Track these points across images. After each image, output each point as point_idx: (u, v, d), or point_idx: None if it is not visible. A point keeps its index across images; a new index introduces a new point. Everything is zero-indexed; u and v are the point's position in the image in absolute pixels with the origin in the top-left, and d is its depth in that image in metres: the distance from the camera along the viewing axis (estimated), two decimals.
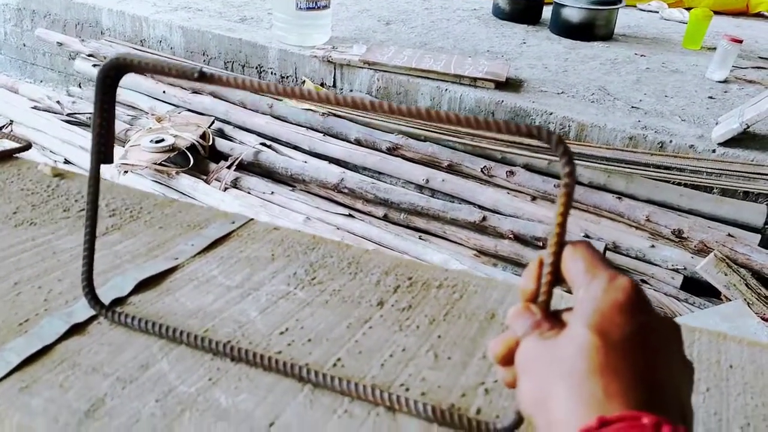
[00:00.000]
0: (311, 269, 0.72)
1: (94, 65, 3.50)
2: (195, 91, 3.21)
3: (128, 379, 0.54)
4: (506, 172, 2.62)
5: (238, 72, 3.42)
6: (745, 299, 2.20)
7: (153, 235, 0.76)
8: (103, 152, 0.55)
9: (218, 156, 2.98)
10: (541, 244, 2.39)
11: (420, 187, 2.74)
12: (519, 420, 0.48)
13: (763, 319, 2.14)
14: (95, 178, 0.55)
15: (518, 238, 2.44)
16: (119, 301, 0.63)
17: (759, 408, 0.54)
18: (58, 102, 3.27)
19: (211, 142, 2.99)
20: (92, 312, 0.61)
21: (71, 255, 0.71)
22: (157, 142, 2.81)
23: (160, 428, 0.49)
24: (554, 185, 2.54)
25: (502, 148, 2.67)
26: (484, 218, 2.48)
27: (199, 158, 2.90)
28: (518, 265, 2.47)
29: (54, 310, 0.61)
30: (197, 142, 2.91)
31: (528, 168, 2.64)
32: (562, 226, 0.43)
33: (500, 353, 0.42)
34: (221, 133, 3.08)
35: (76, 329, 0.59)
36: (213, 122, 3.10)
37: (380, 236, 2.49)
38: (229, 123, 3.13)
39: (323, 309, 0.65)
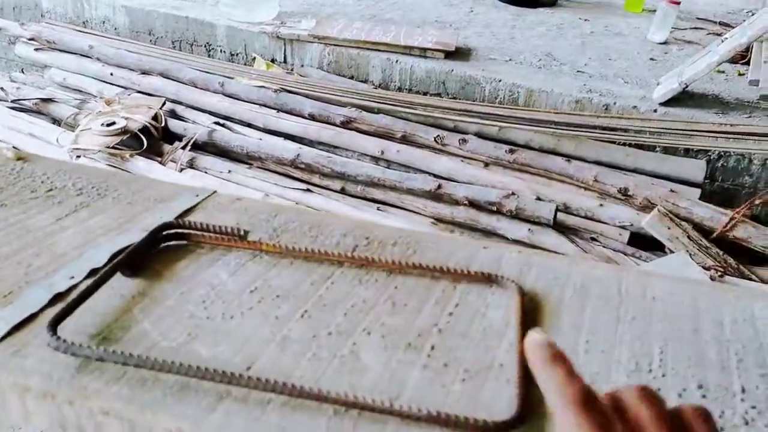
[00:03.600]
0: (275, 234, 0.77)
1: (36, 49, 3.43)
2: (144, 72, 3.18)
3: (113, 339, 0.59)
4: (459, 140, 2.69)
5: (186, 51, 3.40)
6: (687, 251, 2.32)
7: (122, 210, 0.80)
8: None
9: (172, 137, 2.97)
10: (495, 208, 2.47)
11: (375, 159, 2.79)
12: (521, 413, 0.51)
13: (704, 268, 2.27)
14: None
15: (473, 204, 2.52)
16: (96, 271, 0.67)
17: (676, 332, 0.62)
18: (1, 88, 3.20)
19: (163, 123, 2.97)
20: (73, 282, 0.65)
21: (45, 232, 0.74)
22: (108, 125, 2.79)
23: (148, 377, 0.54)
24: (505, 151, 2.62)
25: (453, 117, 2.74)
26: (440, 186, 2.55)
27: (152, 140, 2.89)
28: (474, 230, 2.55)
29: (35, 282, 0.65)
30: (149, 123, 2.89)
31: (480, 135, 2.71)
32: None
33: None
34: (173, 114, 3.07)
35: (59, 298, 0.63)
36: (164, 103, 3.08)
37: (338, 209, 2.54)
38: (180, 103, 3.12)
39: (288, 269, 0.70)
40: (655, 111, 2.61)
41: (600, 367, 0.57)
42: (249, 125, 2.98)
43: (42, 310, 0.61)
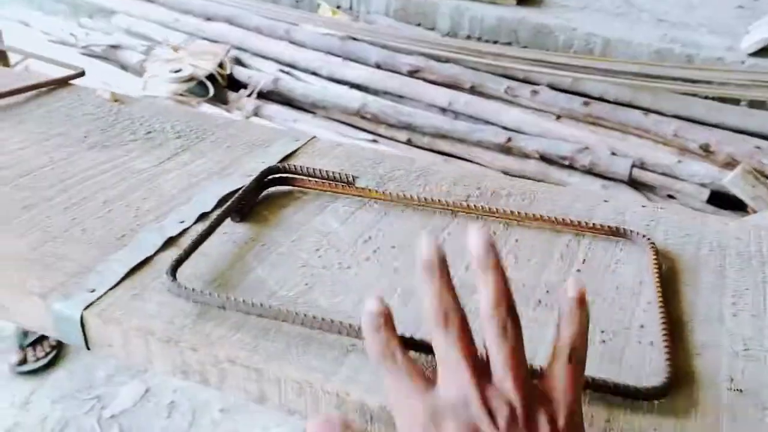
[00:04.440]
0: (381, 181, 0.73)
1: None
2: (209, 18, 3.16)
3: (230, 286, 0.57)
4: (530, 91, 2.60)
5: None
6: None
7: (222, 154, 0.78)
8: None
9: (237, 84, 2.96)
10: (567, 163, 2.39)
11: (443, 110, 2.72)
12: (665, 385, 0.47)
13: None
14: None
15: (544, 158, 2.45)
16: (205, 215, 0.65)
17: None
18: (72, 34, 3.23)
19: (229, 71, 2.96)
20: (184, 226, 0.63)
21: (149, 174, 0.72)
22: (175, 72, 2.79)
23: (271, 327, 0.52)
24: (579, 103, 2.52)
25: (524, 67, 2.64)
26: (509, 139, 2.48)
27: (218, 87, 2.89)
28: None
29: (146, 225, 0.63)
30: (215, 71, 2.89)
31: (552, 87, 2.62)
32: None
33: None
34: (238, 61, 3.05)
35: (171, 242, 0.61)
36: (229, 50, 3.06)
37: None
38: (245, 50, 3.09)
39: (401, 218, 0.67)
40: (743, 62, 2.46)
41: (753, 332, 0.52)
42: (314, 74, 2.95)
43: (156, 253, 0.60)
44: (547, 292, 0.57)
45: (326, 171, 0.70)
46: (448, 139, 2.60)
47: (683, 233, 0.65)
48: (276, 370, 0.49)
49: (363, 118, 2.70)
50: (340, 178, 0.70)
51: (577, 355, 0.40)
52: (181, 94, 2.72)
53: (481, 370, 0.38)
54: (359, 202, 0.69)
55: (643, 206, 0.70)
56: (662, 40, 2.56)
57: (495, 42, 2.84)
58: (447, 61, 2.76)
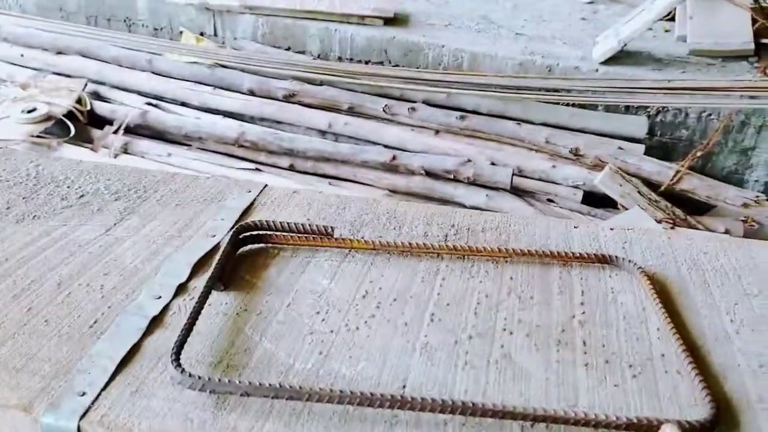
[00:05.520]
0: (353, 228, 0.70)
1: None
2: (59, 52, 2.93)
3: (239, 366, 0.51)
4: (408, 109, 2.64)
5: (103, 26, 3.15)
6: (639, 205, 2.40)
7: (174, 214, 0.71)
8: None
9: (99, 121, 2.76)
10: (451, 176, 2.46)
11: (323, 133, 2.70)
12: (716, 415, 0.47)
13: (656, 221, 2.36)
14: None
15: (429, 173, 2.50)
16: (182, 287, 0.59)
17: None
18: None
19: (88, 107, 2.76)
20: (164, 302, 0.57)
21: (100, 246, 0.65)
22: (28, 112, 2.56)
23: (300, 408, 0.48)
24: (455, 117, 2.60)
25: (400, 85, 2.68)
26: (394, 157, 2.50)
27: (78, 125, 2.68)
28: (430, 199, 2.53)
29: (117, 306, 0.56)
30: (73, 107, 2.68)
31: (427, 103, 2.68)
32: None
33: None
34: (98, 96, 2.85)
35: (154, 323, 0.55)
36: (86, 84, 2.85)
37: (290, 187, 2.45)
38: (104, 84, 2.89)
39: (389, 267, 0.64)
40: (597, 71, 2.66)
41: (761, 348, 0.55)
42: (183, 104, 2.81)
43: (142, 338, 0.53)
44: (563, 331, 0.57)
45: (302, 224, 0.66)
46: (332, 162, 2.58)
47: (659, 252, 0.68)
48: None
49: (242, 146, 2.62)
50: (318, 230, 0.66)
51: None
52: (38, 136, 2.49)
53: None
54: (340, 254, 0.66)
55: (611, 229, 0.72)
56: (524, 53, 2.71)
57: (367, 62, 2.87)
58: (321, 83, 2.74)
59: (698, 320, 0.58)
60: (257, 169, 2.57)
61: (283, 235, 0.66)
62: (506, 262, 0.66)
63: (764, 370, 0.53)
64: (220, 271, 0.59)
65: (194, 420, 0.46)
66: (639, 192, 2.46)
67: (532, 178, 2.52)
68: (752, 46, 2.73)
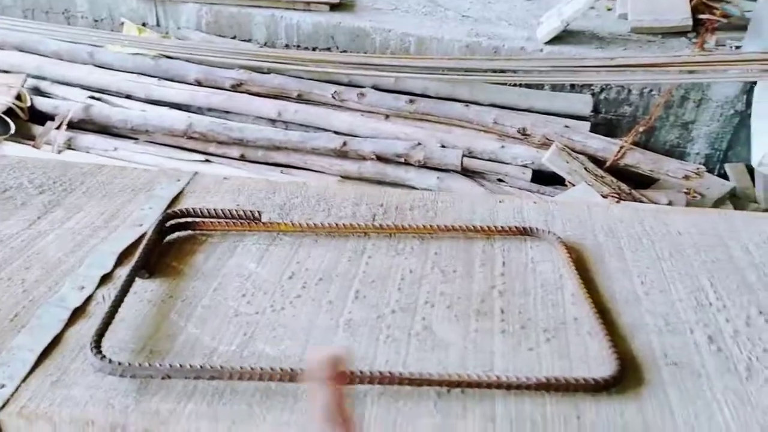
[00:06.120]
0: (283, 212, 0.71)
1: None
2: None
3: (163, 351, 0.52)
4: (357, 94, 2.64)
5: (41, 20, 3.07)
6: (586, 181, 2.45)
7: (101, 205, 0.71)
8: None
9: (41, 117, 2.70)
10: (402, 160, 2.47)
11: (272, 121, 2.69)
12: (620, 371, 0.50)
13: (602, 196, 2.41)
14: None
15: (380, 158, 2.51)
16: (107, 277, 0.59)
17: (714, 262, 0.64)
18: None
19: (29, 103, 2.69)
20: (87, 293, 0.57)
21: (22, 240, 0.64)
22: None
23: (222, 388, 0.49)
24: (404, 101, 2.61)
25: (347, 71, 2.68)
26: (345, 143, 2.51)
27: (18, 122, 2.62)
28: (382, 183, 2.54)
29: (39, 299, 0.56)
30: (13, 104, 2.61)
31: (377, 88, 2.68)
32: None
33: None
34: (38, 91, 2.78)
35: (77, 313, 0.55)
36: (26, 79, 2.78)
37: (241, 176, 2.44)
38: (44, 78, 2.82)
39: (316, 248, 0.65)
40: (541, 50, 2.69)
41: (667, 308, 0.58)
42: (128, 97, 2.77)
43: (64, 329, 0.53)
44: (482, 301, 0.59)
45: (229, 210, 0.66)
46: (282, 150, 2.57)
47: (578, 222, 0.70)
48: None
49: (191, 138, 2.59)
50: (245, 215, 0.66)
51: None
52: None
53: None
54: (268, 237, 0.67)
55: (535, 202, 0.74)
56: (470, 35, 2.73)
57: (314, 48, 2.86)
58: (269, 72, 2.72)
59: (610, 284, 0.60)
60: (207, 161, 2.55)
61: (211, 222, 0.67)
62: (432, 238, 0.67)
63: (670, 328, 0.55)
64: (144, 259, 0.59)
65: (116, 406, 0.47)
66: (585, 168, 2.51)
67: (482, 159, 2.55)
68: (690, 21, 2.80)
